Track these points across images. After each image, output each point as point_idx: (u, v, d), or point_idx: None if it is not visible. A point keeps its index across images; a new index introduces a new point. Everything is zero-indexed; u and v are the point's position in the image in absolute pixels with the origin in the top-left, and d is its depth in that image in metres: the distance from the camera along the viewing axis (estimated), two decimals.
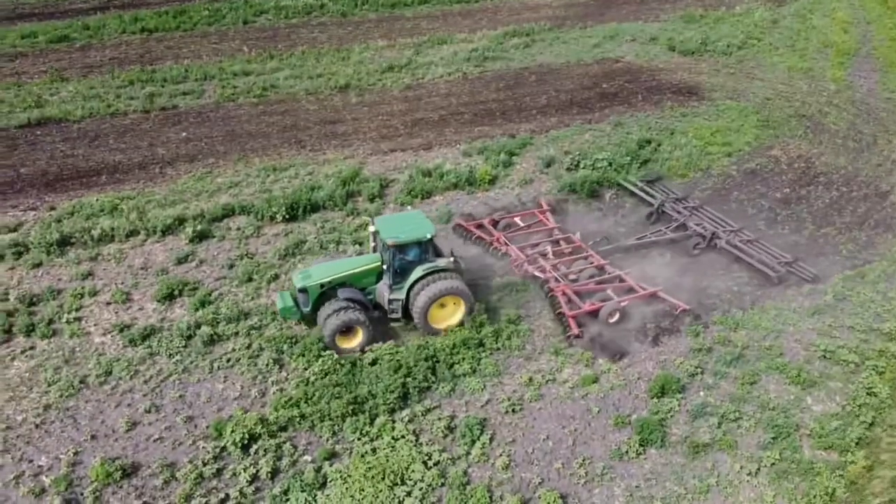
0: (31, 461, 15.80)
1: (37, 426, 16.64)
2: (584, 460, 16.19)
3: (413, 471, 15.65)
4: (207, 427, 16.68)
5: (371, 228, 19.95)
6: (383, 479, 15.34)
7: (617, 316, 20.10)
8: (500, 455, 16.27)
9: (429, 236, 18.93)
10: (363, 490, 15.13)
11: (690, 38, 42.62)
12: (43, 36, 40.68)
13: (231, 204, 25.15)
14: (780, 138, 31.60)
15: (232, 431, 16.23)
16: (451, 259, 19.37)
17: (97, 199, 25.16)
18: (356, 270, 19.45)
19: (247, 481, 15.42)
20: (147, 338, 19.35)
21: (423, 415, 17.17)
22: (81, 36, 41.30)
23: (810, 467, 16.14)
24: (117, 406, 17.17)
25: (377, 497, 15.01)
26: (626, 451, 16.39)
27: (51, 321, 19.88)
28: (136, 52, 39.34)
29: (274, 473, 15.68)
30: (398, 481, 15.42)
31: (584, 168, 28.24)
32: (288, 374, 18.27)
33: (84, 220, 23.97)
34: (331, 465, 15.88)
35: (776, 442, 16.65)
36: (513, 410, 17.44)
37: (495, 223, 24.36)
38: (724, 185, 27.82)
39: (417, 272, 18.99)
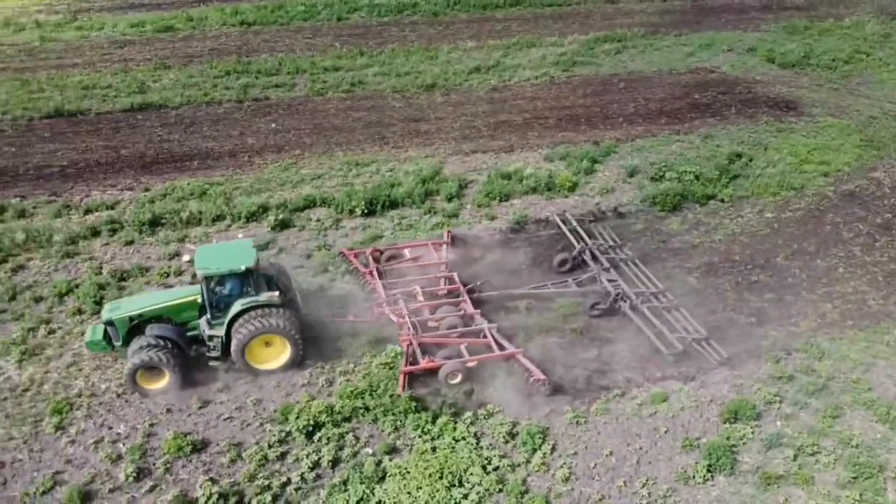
0: (110, 428, 16.64)
1: (118, 395, 17.50)
2: (647, 480, 15.69)
3: (472, 473, 15.58)
4: (275, 411, 17.11)
5: (185, 258, 19.01)
6: (441, 478, 15.34)
7: (459, 378, 17.67)
8: (561, 467, 15.98)
9: (244, 268, 17.10)
10: (420, 488, 15.17)
11: (792, 49, 40.71)
12: (150, 25, 42.89)
13: (313, 195, 25.76)
14: (884, 160, 29.77)
15: (297, 417, 16.60)
16: (276, 294, 17.58)
17: (188, 183, 26.31)
18: (171, 303, 17.90)
19: (308, 467, 15.72)
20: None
21: (485, 418, 17.07)
22: (185, 27, 43.32)
23: None
24: (192, 383, 17.80)
25: (433, 496, 15.01)
26: (693, 476, 15.77)
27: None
28: (234, 43, 40.90)
29: (335, 463, 15.93)
30: (456, 482, 15.38)
31: (669, 180, 27.42)
32: (355, 365, 18.53)
33: (175, 203, 25.09)
34: (391, 460, 15.99)
35: (857, 482, 15.66)
36: (577, 422, 17.10)
37: (379, 254, 22.07)
38: (818, 206, 26.43)
39: (236, 307, 17.37)
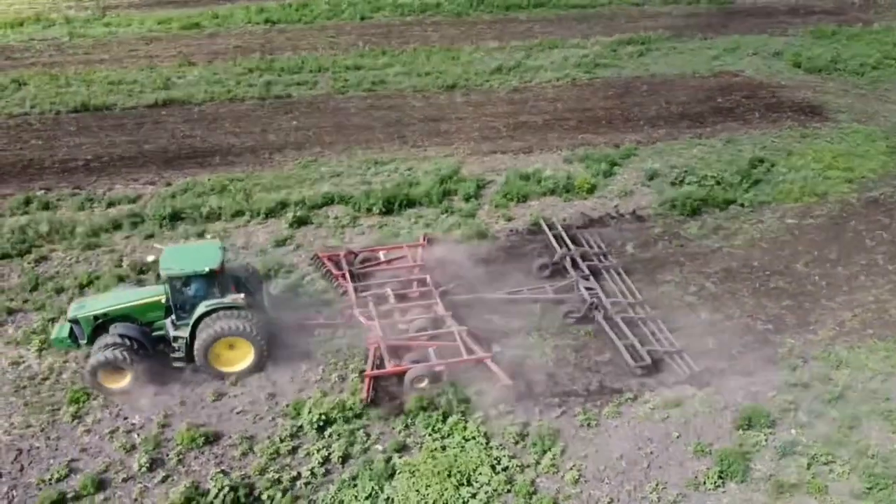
0: (125, 418, 16.90)
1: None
2: (657, 485, 15.59)
3: (480, 473, 15.60)
4: (287, 405, 17.25)
5: (150, 258, 18.96)
6: (450, 477, 15.38)
7: (425, 382, 17.39)
8: (571, 469, 15.93)
9: (207, 270, 16.96)
10: (429, 486, 15.22)
11: (819, 54, 40.13)
12: (177, 22, 43.47)
13: (331, 193, 25.93)
14: None
15: (309, 412, 16.74)
16: (241, 296, 17.49)
17: (209, 179, 26.63)
18: (136, 303, 17.75)
19: (318, 462, 15.83)
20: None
21: (495, 418, 17.07)
22: (210, 24, 43.82)
23: None
24: (207, 376, 17.99)
25: (442, 495, 15.05)
26: (704, 482, 15.64)
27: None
28: (258, 41, 41.29)
29: (345, 458, 16.03)
30: (465, 482, 15.41)
31: (689, 184, 27.19)
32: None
33: (195, 198, 25.40)
34: (400, 458, 16.06)
35: (871, 493, 15.42)
36: (588, 425, 17.04)
37: (353, 256, 21.84)
38: (840, 213, 26.03)
39: (200, 309, 17.26)
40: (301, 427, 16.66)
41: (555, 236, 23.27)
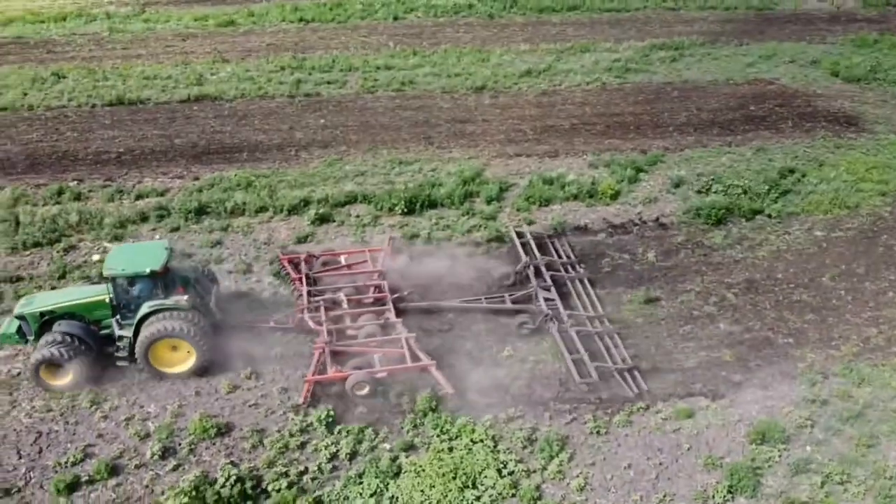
0: (141, 406, 17.27)
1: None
2: (664, 496, 15.41)
3: (486, 476, 15.59)
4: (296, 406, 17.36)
5: (95, 257, 18.76)
6: (455, 478, 15.40)
7: (366, 389, 17.30)
8: (578, 476, 15.84)
9: (149, 271, 16.99)
10: (434, 486, 15.27)
11: (859, 63, 39.20)
12: (213, 20, 44.25)
13: (354, 192, 26.14)
14: None
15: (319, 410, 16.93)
16: (185, 298, 17.41)
17: (235, 175, 27.04)
18: (82, 301, 17.80)
19: (326, 458, 16.00)
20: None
21: (505, 423, 17.05)
22: (245, 22, 44.51)
23: None
24: (223, 369, 18.28)
25: (446, 496, 15.09)
26: (713, 496, 15.41)
27: None
28: (291, 40, 41.79)
29: (352, 456, 16.16)
30: (469, 484, 15.42)
31: (715, 192, 26.80)
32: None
33: (221, 193, 25.83)
34: (407, 457, 16.14)
35: None
36: (598, 432, 16.91)
37: (314, 259, 21.70)
38: (872, 227, 25.40)
39: (144, 309, 17.24)
40: (311, 423, 16.83)
41: (523, 244, 22.88)
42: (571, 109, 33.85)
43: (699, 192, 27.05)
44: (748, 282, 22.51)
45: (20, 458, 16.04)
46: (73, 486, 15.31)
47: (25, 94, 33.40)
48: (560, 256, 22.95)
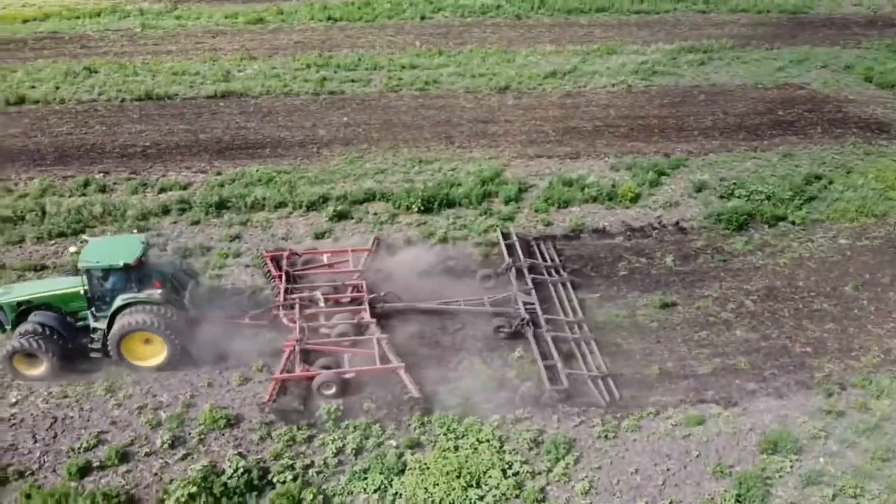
0: (154, 396, 17.56)
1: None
2: (671, 503, 15.22)
3: (490, 476, 15.54)
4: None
5: (72, 249, 18.72)
6: (459, 477, 15.38)
7: (333, 389, 17.16)
8: (583, 479, 15.70)
9: (122, 264, 17.09)
10: (437, 484, 15.27)
11: (894, 69, 38.34)
12: (242, 17, 44.86)
13: (373, 189, 26.26)
14: None
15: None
16: (157, 292, 17.51)
17: (257, 170, 27.35)
18: (57, 292, 18.01)
19: (332, 453, 16.08)
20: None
21: (512, 423, 16.99)
22: (275, 19, 45.03)
23: None
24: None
25: (449, 494, 15.07)
26: None
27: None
28: (318, 38, 42.18)
29: (358, 451, 16.23)
30: (473, 483, 15.38)
31: (738, 198, 26.41)
32: None
33: (242, 188, 26.15)
34: (412, 454, 16.17)
35: None
36: (606, 436, 16.77)
37: (297, 257, 21.75)
38: None
39: (117, 302, 17.39)
40: (319, 417, 16.95)
41: (508, 246, 22.70)
42: (595, 111, 33.63)
43: (721, 196, 26.69)
44: (768, 289, 22.14)
45: (35, 442, 16.40)
46: (84, 471, 15.61)
47: (58, 88, 34.17)
48: (545, 260, 22.76)
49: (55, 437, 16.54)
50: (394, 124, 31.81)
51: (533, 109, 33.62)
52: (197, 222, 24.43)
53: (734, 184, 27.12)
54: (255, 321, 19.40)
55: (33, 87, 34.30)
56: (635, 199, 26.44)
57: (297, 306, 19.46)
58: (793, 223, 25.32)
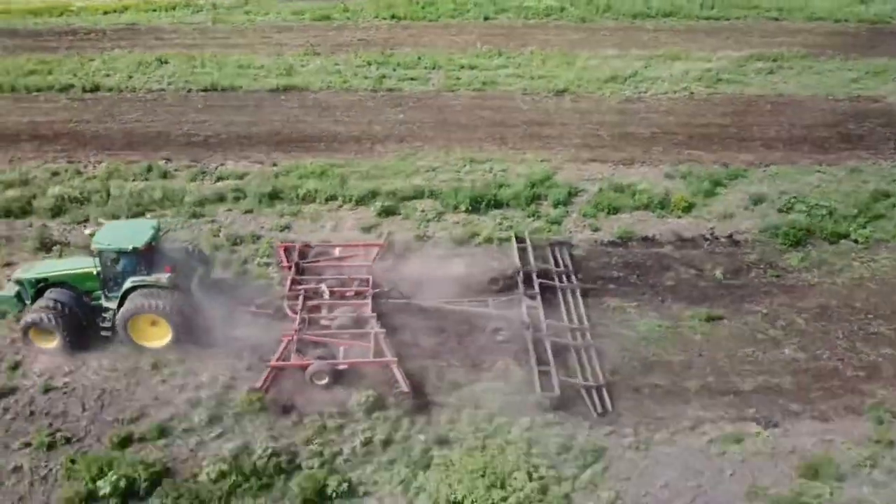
0: (196, 374, 18.16)
1: (209, 346, 18.92)
2: None
3: (515, 478, 15.47)
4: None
5: (87, 231, 19.32)
6: (483, 476, 15.37)
7: (326, 379, 17.50)
8: (610, 489, 15.49)
9: (131, 248, 17.79)
10: (461, 482, 15.30)
11: None
12: (308, 14, 45.74)
13: (423, 187, 26.45)
14: None
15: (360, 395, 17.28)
16: (165, 276, 18.04)
17: (311, 163, 27.91)
18: (72, 272, 18.87)
19: (361, 443, 16.32)
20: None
21: (542, 427, 16.87)
22: (340, 17, 45.75)
23: None
24: (274, 346, 18.81)
25: (471, 493, 15.07)
26: None
27: (245, 261, 22.57)
28: (381, 36, 42.65)
29: (386, 443, 16.40)
30: (498, 484, 15.34)
31: (797, 212, 25.51)
32: None
33: (296, 179, 26.71)
34: (440, 450, 16.24)
35: None
36: (637, 448, 16.48)
37: (309, 249, 22.21)
38: None
39: (126, 284, 18.09)
40: (351, 407, 17.20)
41: (521, 250, 22.59)
42: (654, 118, 32.96)
43: (780, 210, 25.82)
44: (822, 308, 21.32)
45: (84, 410, 17.23)
46: (125, 442, 16.30)
47: (130, 77, 35.61)
48: (557, 265, 22.51)
49: (102, 407, 17.33)
50: (448, 123, 31.94)
51: (589, 113, 33.20)
52: (250, 211, 25.12)
53: (794, 197, 26.21)
54: (260, 309, 19.99)
55: (108, 75, 35.84)
56: (688, 208, 25.83)
57: (301, 297, 19.89)
58: (855, 241, 24.27)
